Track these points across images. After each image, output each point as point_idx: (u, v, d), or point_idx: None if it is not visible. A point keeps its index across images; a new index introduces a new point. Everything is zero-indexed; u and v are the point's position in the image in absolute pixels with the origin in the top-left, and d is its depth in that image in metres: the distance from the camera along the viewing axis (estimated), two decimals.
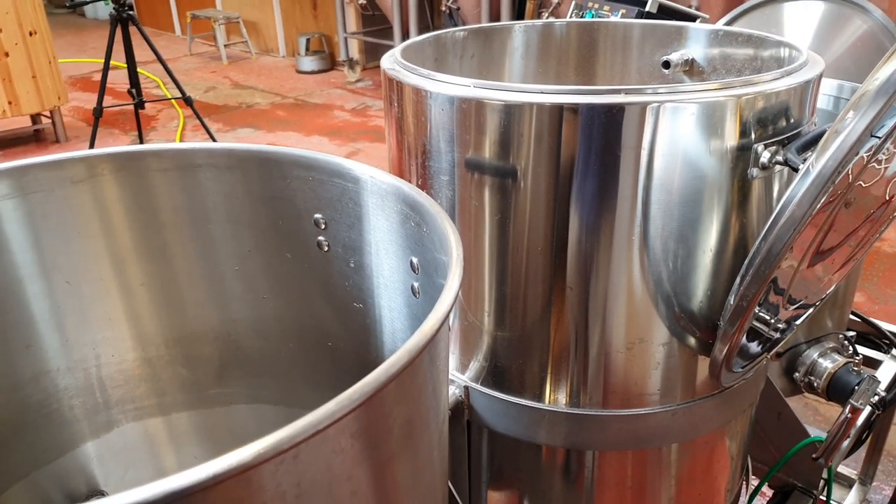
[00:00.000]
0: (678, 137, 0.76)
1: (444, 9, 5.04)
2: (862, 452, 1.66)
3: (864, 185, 0.76)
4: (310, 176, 0.75)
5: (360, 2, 5.65)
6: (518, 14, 4.97)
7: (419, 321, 0.63)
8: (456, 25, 5.72)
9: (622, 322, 0.86)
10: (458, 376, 0.96)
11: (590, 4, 2.24)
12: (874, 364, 1.55)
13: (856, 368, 1.36)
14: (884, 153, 0.72)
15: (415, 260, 0.68)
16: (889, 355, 1.57)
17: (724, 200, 0.80)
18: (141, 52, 3.74)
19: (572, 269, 0.84)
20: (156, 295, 0.80)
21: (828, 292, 1.00)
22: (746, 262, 0.71)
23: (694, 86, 0.75)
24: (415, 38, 1.01)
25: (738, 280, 0.74)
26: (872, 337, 1.64)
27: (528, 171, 0.80)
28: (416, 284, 0.69)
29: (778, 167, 0.80)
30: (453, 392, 0.94)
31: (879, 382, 1.28)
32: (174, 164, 0.73)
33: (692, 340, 0.88)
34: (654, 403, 0.90)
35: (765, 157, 0.78)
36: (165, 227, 0.76)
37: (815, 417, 2.21)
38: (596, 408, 0.91)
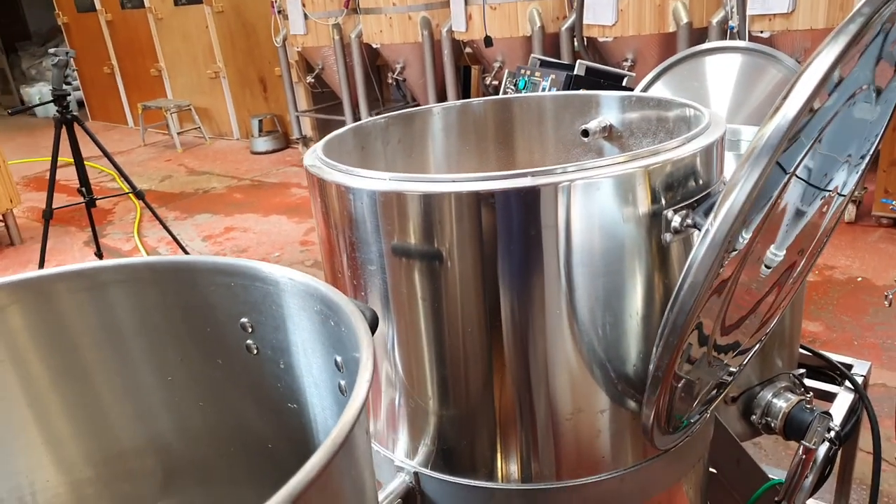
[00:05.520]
0: (592, 211, 0.78)
1: (390, 81, 5.19)
2: (834, 483, 1.67)
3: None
4: (231, 282, 0.75)
5: (308, 81, 5.78)
6: (464, 81, 5.14)
7: None
8: (404, 97, 5.88)
9: (563, 393, 0.86)
10: (408, 462, 0.95)
11: (522, 72, 2.33)
12: (831, 397, 1.56)
13: (808, 406, 1.38)
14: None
15: (339, 359, 0.68)
16: (843, 387, 1.59)
17: (644, 266, 0.83)
18: (94, 147, 3.76)
19: (507, 346, 0.85)
20: (80, 417, 0.79)
21: (767, 331, 1.02)
22: (659, 331, 0.73)
23: (600, 161, 0.79)
24: (336, 132, 1.04)
25: (654, 349, 0.75)
26: (825, 370, 1.66)
27: (453, 256, 0.82)
28: (342, 383, 0.69)
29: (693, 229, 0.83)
30: (403, 479, 0.93)
31: (831, 418, 1.30)
32: (82, 285, 0.73)
33: (632, 404, 0.89)
34: (604, 470, 0.90)
35: (676, 221, 0.81)
36: (80, 349, 0.75)
37: (786, 452, 2.21)
38: (548, 480, 0.90)
